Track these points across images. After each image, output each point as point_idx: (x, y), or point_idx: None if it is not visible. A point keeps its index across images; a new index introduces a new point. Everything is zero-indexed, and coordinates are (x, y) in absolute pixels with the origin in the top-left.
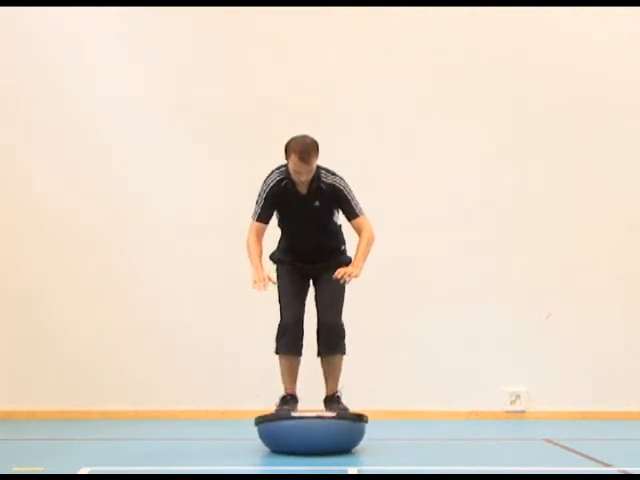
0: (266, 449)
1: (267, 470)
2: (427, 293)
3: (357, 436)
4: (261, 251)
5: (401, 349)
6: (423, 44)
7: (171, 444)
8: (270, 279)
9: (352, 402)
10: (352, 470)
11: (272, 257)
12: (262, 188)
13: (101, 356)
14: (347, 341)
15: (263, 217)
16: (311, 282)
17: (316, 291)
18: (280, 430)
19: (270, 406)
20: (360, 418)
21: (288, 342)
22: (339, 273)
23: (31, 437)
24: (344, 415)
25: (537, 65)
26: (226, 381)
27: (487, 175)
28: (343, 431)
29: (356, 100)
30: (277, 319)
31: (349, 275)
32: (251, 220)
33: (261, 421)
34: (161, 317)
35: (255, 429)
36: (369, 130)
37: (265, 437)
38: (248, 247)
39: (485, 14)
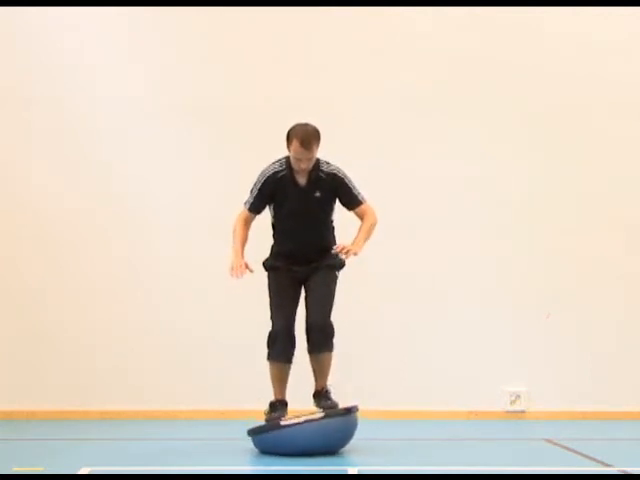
0: None
1: (267, 470)
2: (427, 293)
3: (350, 429)
4: (246, 238)
5: (401, 349)
6: (423, 44)
7: (171, 444)
8: (248, 267)
9: (352, 402)
10: (352, 470)
11: (265, 264)
12: (258, 178)
13: (101, 356)
14: (346, 341)
15: (255, 207)
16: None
17: (306, 291)
18: (272, 440)
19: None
20: (349, 411)
21: (278, 350)
22: (339, 247)
23: (31, 437)
24: (332, 413)
25: (537, 65)
26: (226, 381)
27: (487, 176)
28: (335, 428)
29: (357, 101)
30: None
31: (348, 251)
32: (243, 207)
33: (253, 434)
34: (161, 317)
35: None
36: (371, 131)
37: (260, 447)
38: (234, 231)
39: (485, 14)
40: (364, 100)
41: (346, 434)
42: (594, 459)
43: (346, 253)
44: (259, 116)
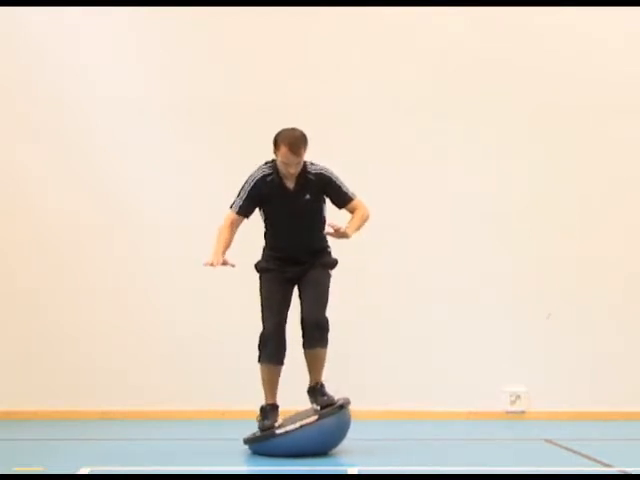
0: None
1: (267, 470)
2: (427, 293)
3: (345, 425)
4: (230, 242)
5: (401, 349)
6: (422, 45)
7: (171, 444)
8: (227, 263)
9: (352, 402)
10: (352, 470)
11: (256, 266)
12: (247, 181)
13: (101, 356)
14: (345, 341)
15: (243, 210)
16: (296, 286)
17: (300, 289)
18: (269, 447)
19: None
20: (342, 407)
21: (270, 352)
22: (333, 227)
23: (31, 437)
24: (325, 413)
25: (537, 65)
26: (226, 381)
27: (487, 176)
28: (330, 427)
29: (356, 102)
30: None
31: (341, 230)
32: (229, 210)
33: (249, 443)
34: (161, 317)
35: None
36: (370, 132)
37: (257, 454)
38: (219, 233)
39: (485, 14)
40: (363, 101)
41: (342, 431)
42: (594, 459)
43: (337, 231)
44: (259, 116)
